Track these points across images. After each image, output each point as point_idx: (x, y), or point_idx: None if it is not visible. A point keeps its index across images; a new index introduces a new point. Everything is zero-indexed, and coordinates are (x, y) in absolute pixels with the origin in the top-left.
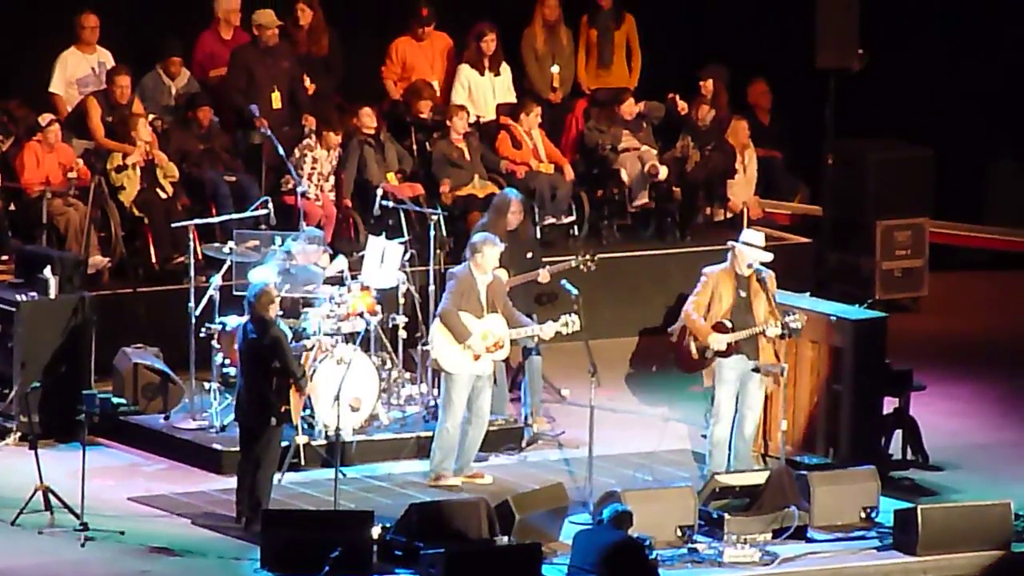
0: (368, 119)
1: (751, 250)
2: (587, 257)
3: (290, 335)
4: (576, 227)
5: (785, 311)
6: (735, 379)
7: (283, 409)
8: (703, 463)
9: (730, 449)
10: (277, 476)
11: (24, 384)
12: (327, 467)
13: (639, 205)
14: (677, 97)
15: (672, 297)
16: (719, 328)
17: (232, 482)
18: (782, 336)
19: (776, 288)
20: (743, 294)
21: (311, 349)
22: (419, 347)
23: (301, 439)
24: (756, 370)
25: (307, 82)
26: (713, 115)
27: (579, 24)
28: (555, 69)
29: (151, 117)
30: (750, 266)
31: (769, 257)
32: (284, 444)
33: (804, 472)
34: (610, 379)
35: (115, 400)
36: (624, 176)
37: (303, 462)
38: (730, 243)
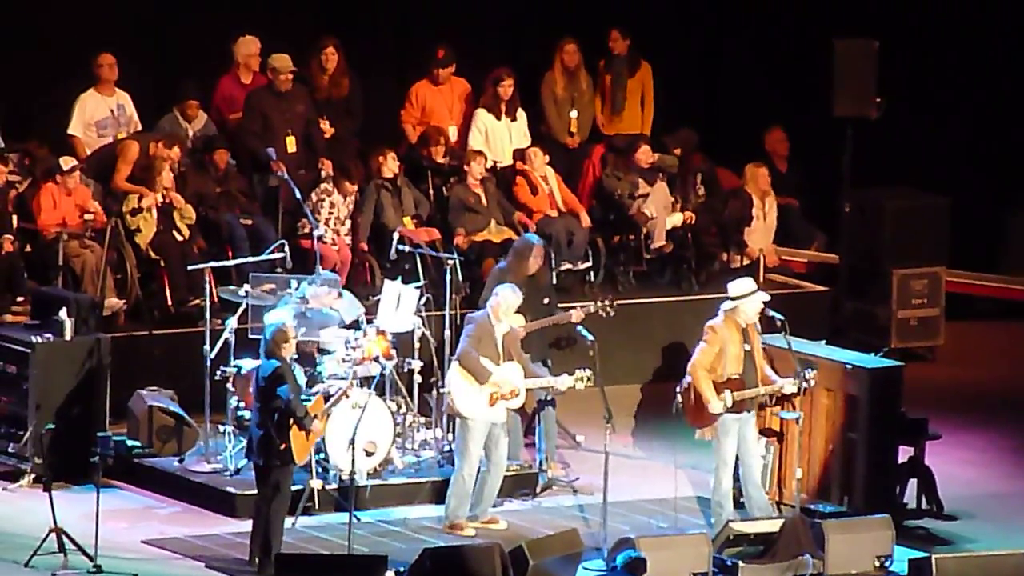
0: (392, 162)
1: (751, 300)
2: (606, 302)
3: (304, 381)
4: (592, 273)
5: (807, 365)
6: (737, 430)
7: (283, 447)
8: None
9: (741, 497)
10: (290, 520)
11: (39, 426)
12: (341, 511)
13: (658, 248)
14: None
15: (689, 344)
16: (736, 385)
17: (246, 525)
18: (797, 393)
19: (768, 335)
20: (747, 347)
21: (330, 395)
22: (435, 391)
23: (315, 483)
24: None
25: (326, 125)
26: (698, 177)
27: (598, 68)
28: (574, 114)
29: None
30: (764, 315)
31: (767, 297)
32: (297, 487)
33: (818, 520)
34: (625, 425)
35: (129, 442)
36: (643, 220)
37: (317, 506)
38: (726, 304)
